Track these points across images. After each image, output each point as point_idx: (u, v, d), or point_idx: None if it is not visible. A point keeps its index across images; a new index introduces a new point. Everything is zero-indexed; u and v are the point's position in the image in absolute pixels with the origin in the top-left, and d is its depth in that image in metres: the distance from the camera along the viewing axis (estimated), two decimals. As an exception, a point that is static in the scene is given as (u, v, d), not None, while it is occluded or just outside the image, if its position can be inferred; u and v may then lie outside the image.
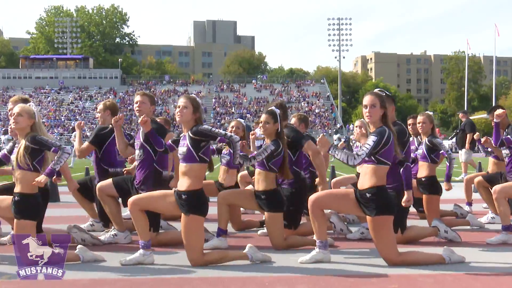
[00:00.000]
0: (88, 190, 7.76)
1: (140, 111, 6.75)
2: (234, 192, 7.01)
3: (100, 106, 7.77)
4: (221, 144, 7.21)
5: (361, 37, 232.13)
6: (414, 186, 7.71)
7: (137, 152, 6.78)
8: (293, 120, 8.28)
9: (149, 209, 5.80)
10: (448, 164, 7.68)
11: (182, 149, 5.63)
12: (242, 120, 8.32)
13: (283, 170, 6.56)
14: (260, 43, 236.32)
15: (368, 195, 5.48)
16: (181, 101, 5.68)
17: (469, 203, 9.71)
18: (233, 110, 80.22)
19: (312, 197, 5.75)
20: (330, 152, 5.50)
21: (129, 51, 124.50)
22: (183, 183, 5.59)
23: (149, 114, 6.79)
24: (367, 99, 5.57)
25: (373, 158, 5.45)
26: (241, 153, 6.41)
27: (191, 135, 5.56)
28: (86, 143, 7.49)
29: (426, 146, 7.90)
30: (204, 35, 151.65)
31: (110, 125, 7.54)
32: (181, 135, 5.87)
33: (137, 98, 6.83)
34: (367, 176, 5.52)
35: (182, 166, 5.61)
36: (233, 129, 8.09)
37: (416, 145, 8.63)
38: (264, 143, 6.85)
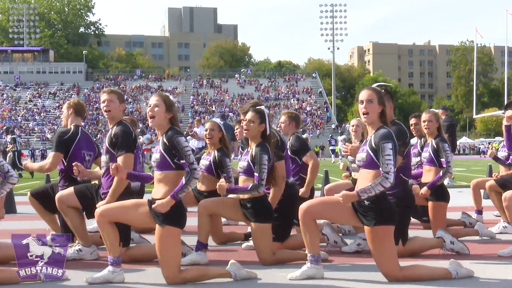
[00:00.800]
0: (49, 199, 7.71)
1: (108, 111, 6.75)
2: (216, 200, 7.00)
3: (65, 106, 7.79)
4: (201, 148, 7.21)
5: (357, 25, 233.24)
6: (418, 192, 7.75)
7: (102, 157, 6.78)
8: (282, 118, 8.32)
9: (119, 221, 5.79)
10: (440, 175, 7.68)
11: (155, 155, 5.64)
12: (217, 120, 8.33)
13: (271, 176, 6.58)
14: (244, 33, 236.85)
15: (366, 203, 5.51)
16: (152, 99, 5.72)
17: (479, 211, 9.75)
18: (213, 109, 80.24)
19: (303, 206, 5.77)
20: (362, 198, 5.46)
21: (95, 42, 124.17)
22: (158, 191, 5.60)
23: (118, 113, 6.78)
24: (363, 94, 5.62)
25: (377, 163, 5.48)
26: (248, 188, 6.39)
27: (165, 140, 5.57)
28: (52, 153, 7.46)
29: (432, 148, 7.88)
30: (180, 23, 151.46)
31: (72, 127, 7.55)
32: None
33: (104, 96, 6.82)
34: (366, 182, 5.55)
35: (157, 174, 5.63)
36: (208, 132, 8.10)
37: (419, 148, 8.66)
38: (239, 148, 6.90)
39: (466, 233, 8.15)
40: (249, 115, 6.60)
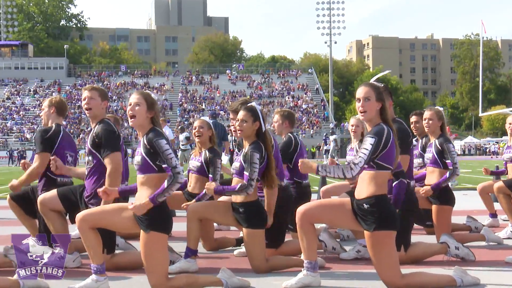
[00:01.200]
0: (30, 203, 7.71)
1: (89, 109, 6.77)
2: (206, 204, 7.01)
3: (45, 103, 7.76)
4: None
5: (356, 18, 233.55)
6: (421, 195, 7.76)
7: (86, 159, 6.80)
8: (275, 118, 8.31)
9: (101, 226, 5.79)
10: (446, 176, 7.70)
11: (136, 158, 5.63)
12: (206, 118, 8.33)
13: (268, 177, 6.58)
14: (235, 26, 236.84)
15: (365, 206, 5.51)
16: (133, 98, 5.70)
17: (492, 215, 9.79)
18: (203, 107, 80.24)
19: (301, 209, 5.78)
20: (319, 173, 5.51)
21: (77, 36, 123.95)
22: (141, 195, 5.58)
23: (100, 111, 6.80)
24: (360, 91, 5.63)
25: (371, 163, 5.49)
26: (236, 188, 6.41)
27: (145, 142, 5.57)
28: (37, 155, 7.43)
29: (436, 149, 7.87)
30: (167, 16, 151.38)
31: (53, 126, 7.54)
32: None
33: (85, 93, 6.85)
34: (364, 184, 5.56)
35: (140, 177, 5.62)
36: (196, 129, 8.09)
37: (420, 149, 8.67)
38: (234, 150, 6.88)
39: (472, 238, 8.16)
40: (241, 114, 6.60)
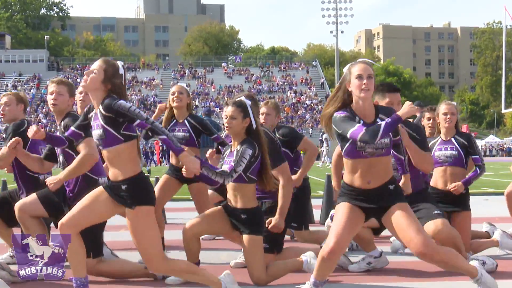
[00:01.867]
0: (8, 209, 7.64)
1: (55, 105, 6.80)
2: (201, 220, 6.87)
3: (10, 98, 7.68)
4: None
5: (365, 5, 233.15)
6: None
7: (59, 158, 6.83)
8: (265, 110, 8.14)
9: (87, 224, 5.77)
10: (477, 171, 7.81)
11: (97, 132, 5.58)
12: (183, 85, 8.35)
13: (264, 177, 6.61)
14: (232, 14, 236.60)
15: (391, 186, 5.68)
16: (93, 65, 5.71)
17: None
18: (197, 103, 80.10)
19: (326, 252, 5.66)
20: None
21: (59, 26, 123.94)
22: (117, 172, 5.60)
23: (66, 108, 6.84)
24: (361, 67, 5.62)
25: (387, 151, 5.62)
26: (217, 170, 6.39)
27: (102, 111, 5.53)
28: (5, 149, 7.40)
29: (462, 146, 7.85)
30: (157, 4, 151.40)
31: (25, 121, 7.50)
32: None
33: (52, 87, 6.85)
34: (380, 173, 5.69)
35: (105, 152, 5.61)
36: (175, 95, 8.10)
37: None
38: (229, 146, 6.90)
39: (488, 245, 8.15)
40: (230, 110, 6.61)
